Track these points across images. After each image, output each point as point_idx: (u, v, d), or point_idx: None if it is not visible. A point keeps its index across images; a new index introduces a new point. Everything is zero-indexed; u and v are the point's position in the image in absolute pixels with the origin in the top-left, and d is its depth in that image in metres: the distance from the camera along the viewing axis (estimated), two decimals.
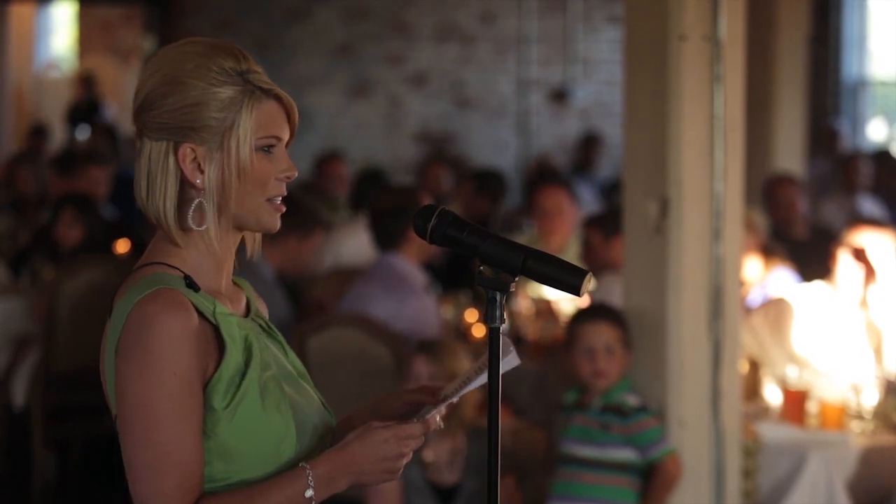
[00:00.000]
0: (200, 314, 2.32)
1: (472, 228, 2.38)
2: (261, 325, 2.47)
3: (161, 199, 2.36)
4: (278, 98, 2.38)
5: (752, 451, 5.09)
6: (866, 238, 5.96)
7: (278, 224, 2.42)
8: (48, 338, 6.93)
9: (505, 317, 2.36)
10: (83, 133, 15.25)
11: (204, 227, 2.36)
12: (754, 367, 5.69)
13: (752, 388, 5.60)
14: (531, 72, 13.40)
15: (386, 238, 5.92)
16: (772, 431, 5.16)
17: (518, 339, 6.19)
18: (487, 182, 9.33)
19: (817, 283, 5.97)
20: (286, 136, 2.40)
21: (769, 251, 6.95)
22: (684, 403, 4.94)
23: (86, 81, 16.48)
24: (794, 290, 6.17)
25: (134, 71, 17.46)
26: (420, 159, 12.37)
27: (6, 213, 9.10)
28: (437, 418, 2.40)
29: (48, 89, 17.93)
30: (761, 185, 8.65)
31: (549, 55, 13.48)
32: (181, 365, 2.26)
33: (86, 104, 15.94)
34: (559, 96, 13.54)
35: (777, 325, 5.82)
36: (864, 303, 5.85)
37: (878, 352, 5.79)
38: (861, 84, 13.38)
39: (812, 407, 5.28)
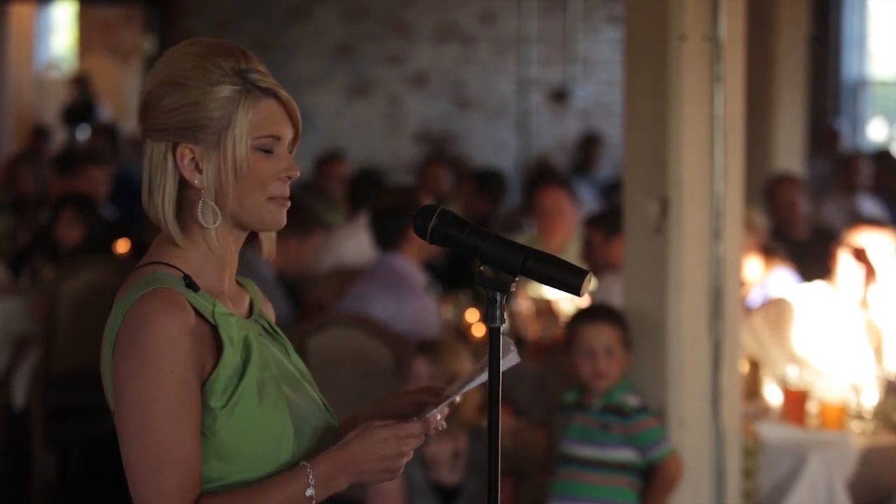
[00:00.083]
0: (199, 314, 2.32)
1: (472, 228, 2.38)
2: (263, 327, 2.47)
3: (160, 200, 2.36)
4: (278, 97, 2.38)
5: (753, 451, 5.09)
6: (866, 238, 5.96)
7: (283, 221, 2.41)
8: (48, 338, 6.93)
9: (505, 317, 2.36)
10: (83, 133, 15.26)
11: (214, 226, 2.36)
12: (754, 367, 5.69)
13: (752, 388, 5.60)
14: (531, 72, 13.40)
15: (386, 238, 5.92)
16: (772, 431, 5.16)
17: (518, 339, 6.19)
18: (487, 182, 9.33)
19: (817, 283, 5.97)
20: (287, 136, 2.40)
21: (769, 251, 6.95)
22: (684, 403, 4.94)
23: (80, 82, 16.49)
24: (794, 290, 6.17)
25: (134, 71, 17.47)
26: (420, 159, 12.37)
27: (6, 213, 9.10)
28: (438, 417, 2.40)
29: (48, 89, 17.93)
30: (762, 185, 8.65)
31: (549, 55, 13.48)
32: (178, 364, 2.26)
33: (81, 105, 15.95)
34: (559, 96, 13.54)
35: (777, 325, 5.82)
36: (864, 303, 5.85)
37: (878, 352, 5.78)
38: (861, 84, 13.38)
39: (812, 407, 5.28)
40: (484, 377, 2.36)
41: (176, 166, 2.36)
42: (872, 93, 13.58)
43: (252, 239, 2.46)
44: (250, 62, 2.38)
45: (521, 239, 6.90)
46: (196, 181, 2.36)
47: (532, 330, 6.37)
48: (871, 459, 5.09)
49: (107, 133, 13.12)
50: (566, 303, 6.50)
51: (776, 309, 5.90)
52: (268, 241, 2.47)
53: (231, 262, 2.43)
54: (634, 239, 5.10)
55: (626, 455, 4.84)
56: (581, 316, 5.10)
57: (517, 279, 2.36)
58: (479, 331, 6.26)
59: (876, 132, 13.83)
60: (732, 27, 4.95)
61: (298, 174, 2.42)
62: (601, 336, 4.90)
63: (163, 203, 2.36)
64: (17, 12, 16.64)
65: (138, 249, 7.53)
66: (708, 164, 4.93)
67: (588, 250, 6.77)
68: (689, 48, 4.90)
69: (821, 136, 11.68)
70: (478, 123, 13.36)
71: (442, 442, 4.72)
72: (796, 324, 5.80)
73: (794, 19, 9.42)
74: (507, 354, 2.37)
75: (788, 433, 5.17)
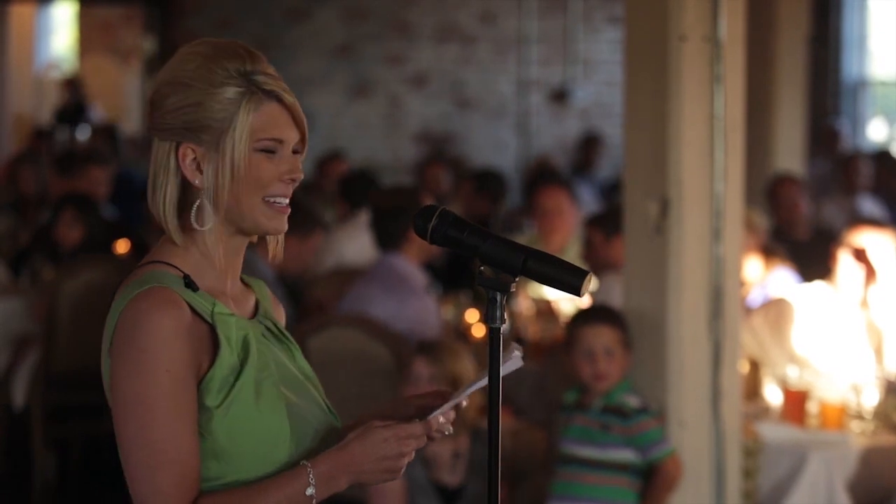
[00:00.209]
0: (197, 313, 2.32)
1: (472, 229, 2.38)
2: (268, 328, 2.47)
3: (162, 199, 2.37)
4: (281, 101, 2.38)
5: (753, 451, 5.09)
6: (866, 238, 5.96)
7: (283, 227, 2.41)
8: (48, 338, 6.93)
9: (505, 317, 2.36)
10: (83, 133, 15.26)
11: (207, 228, 2.36)
12: (754, 367, 5.69)
13: (752, 389, 5.60)
14: (531, 72, 13.40)
15: (386, 238, 5.92)
16: (772, 431, 5.16)
17: (518, 340, 6.19)
18: (487, 182, 9.33)
19: (818, 284, 5.97)
20: (291, 139, 2.39)
21: (769, 251, 6.96)
22: (684, 404, 4.94)
23: (72, 84, 16.50)
24: (794, 291, 6.17)
25: (134, 71, 17.46)
26: (420, 160, 12.37)
27: (7, 213, 9.10)
28: (441, 420, 2.39)
29: (48, 89, 17.92)
30: (764, 185, 8.65)
31: (550, 55, 13.48)
32: (174, 362, 2.26)
33: (73, 106, 15.95)
34: (559, 96, 13.54)
35: (777, 326, 5.82)
36: (864, 303, 5.85)
37: (878, 352, 5.79)
38: (861, 84, 13.38)
39: (812, 407, 5.28)
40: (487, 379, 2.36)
41: (178, 166, 2.36)
42: (872, 93, 13.58)
43: (258, 240, 2.46)
44: (257, 64, 2.38)
45: (521, 239, 6.90)
46: (197, 181, 2.36)
47: (532, 330, 6.38)
48: (871, 459, 5.09)
49: (107, 133, 13.12)
50: (566, 303, 6.50)
51: (776, 309, 5.90)
52: (273, 244, 2.47)
53: (233, 265, 2.43)
54: (634, 239, 5.10)
55: (625, 455, 4.84)
56: (581, 317, 5.10)
57: (517, 279, 2.36)
58: (479, 331, 6.26)
59: (876, 132, 13.83)
60: (732, 27, 4.95)
61: (302, 177, 2.41)
62: (601, 338, 4.90)
63: (164, 202, 2.37)
64: (17, 12, 16.64)
65: (138, 250, 7.53)
66: (708, 164, 4.93)
67: (588, 250, 6.77)
68: (690, 48, 4.90)
69: (821, 137, 11.68)
70: (478, 124, 13.36)
71: (443, 442, 4.72)
72: (796, 324, 5.80)
73: (794, 19, 9.42)
74: (511, 358, 2.36)
75: (788, 433, 5.17)
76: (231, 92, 2.35)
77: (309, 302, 6.78)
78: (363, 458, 2.32)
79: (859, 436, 5.16)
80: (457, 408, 2.41)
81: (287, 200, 2.40)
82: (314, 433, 2.40)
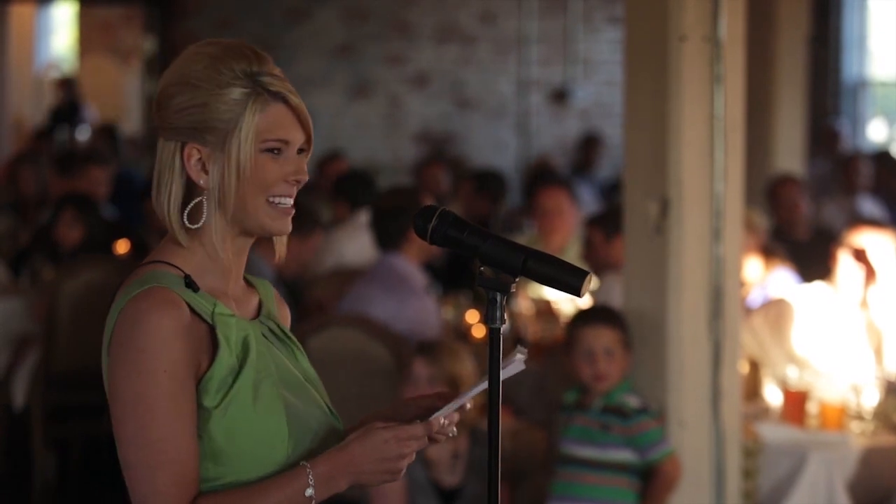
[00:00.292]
0: (197, 314, 2.32)
1: (472, 229, 2.38)
2: (270, 328, 2.47)
3: (166, 198, 2.37)
4: (287, 102, 2.38)
5: (753, 451, 5.09)
6: (866, 239, 5.96)
7: (287, 228, 2.41)
8: (48, 338, 6.93)
9: (505, 317, 2.35)
10: (79, 133, 15.26)
11: (200, 225, 2.36)
12: (754, 367, 5.69)
13: (752, 389, 5.60)
14: (531, 72, 13.40)
15: (387, 238, 5.92)
16: (772, 432, 5.16)
17: (518, 340, 6.19)
18: (487, 182, 9.33)
19: (817, 284, 5.97)
20: (296, 141, 2.39)
21: (769, 252, 6.95)
22: (684, 404, 4.94)
23: (66, 84, 16.50)
24: (794, 291, 6.17)
25: (134, 71, 17.46)
26: (420, 160, 12.37)
27: (7, 214, 9.10)
28: (443, 421, 2.38)
29: (48, 90, 17.92)
30: (764, 185, 8.65)
31: (550, 55, 13.48)
32: (173, 362, 2.26)
33: (67, 106, 15.96)
34: (559, 97, 13.54)
35: (777, 326, 5.82)
36: (864, 303, 5.85)
37: (878, 352, 5.79)
38: (861, 84, 13.38)
39: (812, 407, 5.28)
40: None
41: (183, 166, 2.36)
42: (872, 93, 13.58)
43: (258, 240, 2.46)
44: (264, 65, 2.38)
45: (521, 239, 6.90)
46: (201, 181, 2.36)
47: (532, 331, 6.38)
48: (870, 460, 5.09)
49: (107, 133, 13.12)
50: (566, 303, 6.50)
51: (776, 309, 5.90)
52: (279, 245, 2.47)
53: (237, 265, 2.43)
54: (634, 239, 5.10)
55: (625, 455, 4.84)
56: (581, 318, 5.10)
57: (517, 280, 2.35)
58: (479, 332, 6.26)
59: (876, 133, 13.83)
60: (732, 27, 4.95)
61: (307, 178, 2.41)
62: (601, 338, 4.90)
63: (168, 202, 2.37)
64: (17, 12, 16.64)
65: (138, 250, 7.53)
66: (708, 164, 4.93)
67: (589, 250, 6.77)
68: (690, 48, 4.90)
69: (821, 137, 11.68)
70: (478, 124, 13.36)
71: (442, 443, 4.71)
72: (796, 324, 5.80)
73: (794, 19, 9.42)
74: (514, 361, 2.36)
75: (788, 434, 5.17)
76: (237, 93, 2.35)
77: (309, 302, 6.77)
78: (363, 459, 2.32)
79: (859, 436, 5.16)
80: (460, 409, 2.41)
81: (291, 201, 2.40)
82: (313, 435, 2.39)
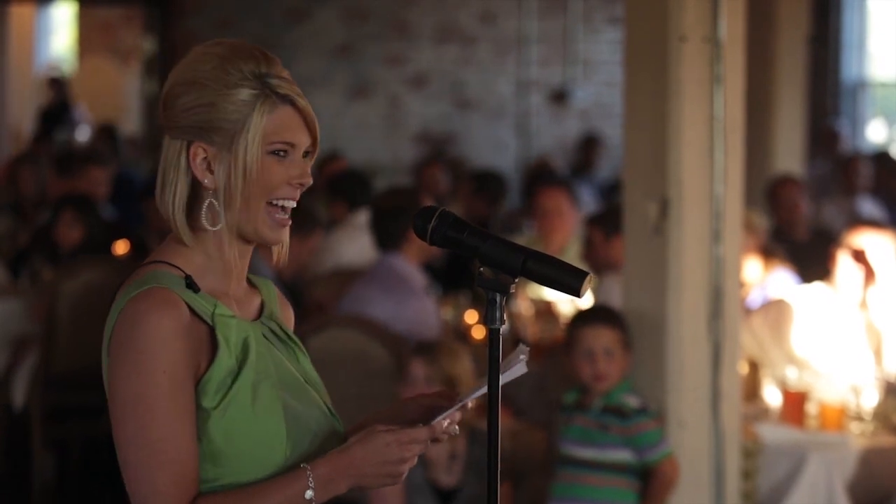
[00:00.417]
0: (197, 314, 2.32)
1: (472, 229, 2.38)
2: (272, 330, 2.46)
3: (171, 197, 2.37)
4: (295, 105, 2.38)
5: (752, 452, 5.09)
6: (866, 239, 5.96)
7: (280, 238, 2.41)
8: (47, 338, 6.93)
9: (505, 318, 2.35)
10: (80, 133, 15.26)
11: (217, 227, 2.36)
12: (754, 368, 5.69)
13: (751, 390, 5.60)
14: (531, 73, 13.40)
15: (386, 238, 5.92)
16: (771, 433, 5.16)
17: (518, 341, 6.19)
18: (487, 183, 9.33)
19: (817, 285, 5.97)
20: (302, 144, 2.39)
21: (769, 252, 6.95)
22: (684, 404, 4.94)
23: (56, 83, 16.49)
24: (793, 292, 6.17)
25: (134, 72, 17.46)
26: (420, 160, 12.37)
27: (6, 214, 9.10)
28: (446, 423, 2.38)
29: (40, 89, 17.91)
30: (764, 186, 8.65)
31: (549, 56, 13.48)
32: (172, 363, 2.26)
33: (57, 106, 15.95)
34: (559, 97, 13.54)
35: (777, 327, 5.82)
36: (863, 304, 5.85)
37: (877, 353, 5.78)
38: (861, 85, 13.38)
39: (812, 408, 5.28)
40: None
41: (188, 165, 2.36)
42: (872, 94, 13.58)
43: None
44: (272, 67, 2.38)
45: (521, 240, 6.89)
46: (206, 181, 2.36)
47: (532, 331, 6.37)
48: (870, 461, 5.09)
49: (106, 134, 13.11)
50: (566, 304, 6.50)
51: (776, 310, 5.90)
52: (279, 250, 2.47)
53: (240, 266, 2.42)
54: (634, 240, 5.10)
55: (624, 456, 4.83)
56: (580, 318, 5.10)
57: (517, 280, 2.35)
58: (478, 332, 6.26)
59: (876, 133, 13.83)
60: (732, 28, 4.95)
61: (311, 182, 2.41)
62: (601, 338, 4.90)
63: (173, 200, 2.36)
64: (17, 13, 16.63)
65: (137, 250, 7.53)
66: (708, 164, 4.93)
67: (588, 250, 6.77)
68: (689, 49, 4.90)
69: (820, 138, 11.68)
70: (478, 124, 13.36)
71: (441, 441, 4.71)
72: (796, 325, 5.80)
73: (794, 20, 9.42)
74: (518, 362, 2.36)
75: (788, 434, 5.17)
76: (245, 94, 2.35)
77: (308, 302, 6.77)
78: (364, 462, 2.31)
79: (859, 437, 5.16)
80: (461, 409, 2.40)
81: (294, 203, 2.40)
82: (312, 436, 2.39)
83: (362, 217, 7.47)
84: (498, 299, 2.34)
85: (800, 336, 5.78)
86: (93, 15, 18.31)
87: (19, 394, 7.05)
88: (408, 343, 5.53)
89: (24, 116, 16.63)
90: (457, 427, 2.41)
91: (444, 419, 2.37)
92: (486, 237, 2.37)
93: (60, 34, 19.51)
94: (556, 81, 13.53)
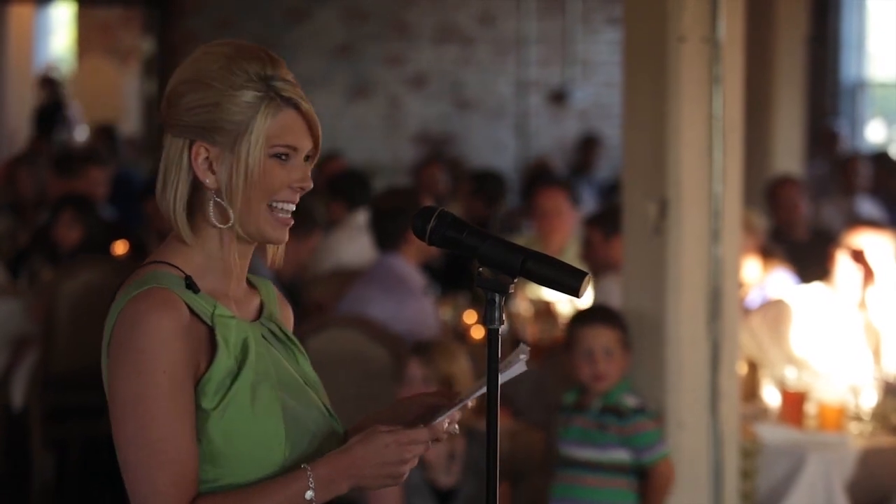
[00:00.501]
0: (196, 315, 2.32)
1: (471, 230, 2.38)
2: (271, 330, 2.46)
3: (172, 196, 2.37)
4: (299, 109, 2.38)
5: (751, 452, 5.09)
6: (865, 239, 5.96)
7: (284, 238, 2.41)
8: (47, 338, 6.93)
9: (504, 318, 2.35)
10: (77, 133, 15.25)
11: (229, 225, 2.36)
12: (753, 368, 5.69)
13: (750, 390, 5.60)
14: (530, 73, 13.40)
15: (385, 239, 5.92)
16: (770, 433, 5.16)
17: (517, 341, 6.18)
18: (486, 183, 9.33)
19: (816, 285, 5.97)
20: (304, 148, 2.39)
21: (768, 252, 6.96)
22: (683, 404, 4.94)
23: (50, 83, 16.48)
24: (792, 292, 6.18)
25: (133, 72, 17.46)
26: (419, 160, 12.37)
27: (5, 214, 9.10)
28: (446, 423, 2.38)
29: (34, 89, 17.89)
30: (763, 186, 8.65)
31: (549, 56, 13.48)
32: (172, 363, 2.26)
33: (51, 106, 15.93)
34: (558, 98, 13.54)
35: (776, 327, 5.82)
36: (862, 304, 5.85)
37: (876, 353, 5.79)
38: (860, 85, 13.39)
39: (811, 408, 5.28)
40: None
41: (190, 164, 2.36)
42: (871, 94, 13.59)
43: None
44: (277, 69, 2.38)
45: (520, 240, 6.89)
46: (208, 181, 2.36)
47: (531, 331, 6.37)
48: (869, 461, 5.09)
49: (105, 134, 13.11)
50: (565, 304, 6.50)
51: (775, 310, 5.90)
52: (273, 250, 2.47)
53: (240, 267, 2.42)
54: (633, 240, 5.10)
55: (622, 456, 4.83)
56: (580, 318, 5.10)
57: (516, 280, 2.35)
58: (477, 332, 6.26)
59: (875, 134, 13.83)
60: (731, 28, 4.95)
61: (311, 186, 2.41)
62: (600, 338, 4.90)
63: (174, 199, 2.36)
64: (17, 13, 16.62)
65: (137, 250, 7.53)
66: (707, 164, 4.94)
67: (588, 250, 6.77)
68: (688, 49, 4.91)
69: (819, 138, 11.69)
70: (477, 125, 13.36)
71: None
72: (795, 325, 5.80)
73: (793, 20, 9.42)
74: (518, 361, 2.36)
75: (787, 434, 5.17)
76: (250, 96, 2.35)
77: (308, 303, 6.77)
78: (364, 463, 2.31)
79: (858, 437, 5.16)
80: (461, 409, 2.40)
81: (293, 207, 2.40)
82: (311, 437, 2.39)
83: (361, 217, 7.47)
84: (497, 299, 2.34)
85: (799, 336, 5.78)
86: (92, 15, 18.31)
87: (19, 394, 7.05)
88: (407, 343, 5.53)
89: (22, 117, 16.63)
90: (457, 427, 2.41)
91: (444, 419, 2.37)
92: (485, 237, 2.37)
93: (59, 34, 19.51)
94: (555, 82, 13.54)
